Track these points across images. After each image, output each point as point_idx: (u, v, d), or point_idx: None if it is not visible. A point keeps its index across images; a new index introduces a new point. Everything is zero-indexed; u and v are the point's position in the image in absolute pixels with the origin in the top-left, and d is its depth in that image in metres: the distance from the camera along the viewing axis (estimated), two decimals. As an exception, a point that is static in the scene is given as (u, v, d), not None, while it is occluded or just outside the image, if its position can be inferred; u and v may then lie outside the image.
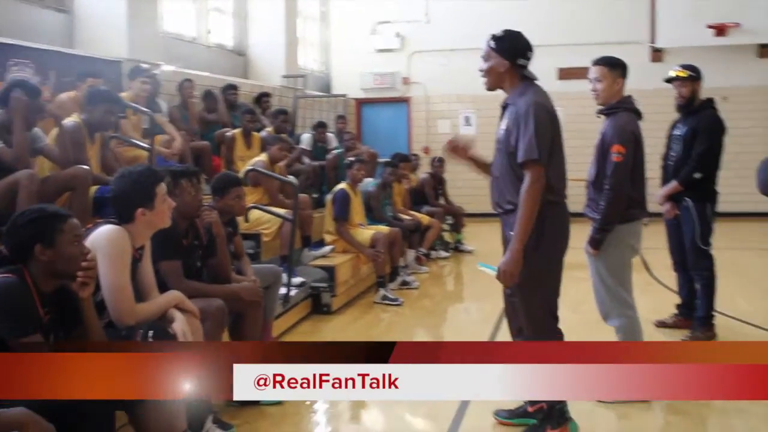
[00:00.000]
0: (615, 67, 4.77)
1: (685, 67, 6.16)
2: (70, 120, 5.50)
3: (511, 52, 3.89)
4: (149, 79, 7.18)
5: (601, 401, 4.69)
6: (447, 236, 10.93)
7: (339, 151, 9.99)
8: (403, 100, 15.54)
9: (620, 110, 4.69)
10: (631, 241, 4.70)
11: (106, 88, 5.84)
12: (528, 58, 3.91)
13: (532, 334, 4.07)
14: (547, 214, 3.87)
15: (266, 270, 5.51)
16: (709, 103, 6.14)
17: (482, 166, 4.31)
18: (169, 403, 3.44)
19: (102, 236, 3.53)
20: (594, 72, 4.77)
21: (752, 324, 6.47)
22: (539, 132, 3.77)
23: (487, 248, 11.32)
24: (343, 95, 13.86)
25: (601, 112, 4.78)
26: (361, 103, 15.56)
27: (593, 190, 4.78)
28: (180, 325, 3.63)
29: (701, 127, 6.01)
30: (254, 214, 6.93)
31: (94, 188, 5.38)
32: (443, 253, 10.50)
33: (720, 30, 13.61)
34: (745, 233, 10.72)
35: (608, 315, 4.79)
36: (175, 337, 3.55)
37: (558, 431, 4.07)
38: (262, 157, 7.53)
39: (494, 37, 3.94)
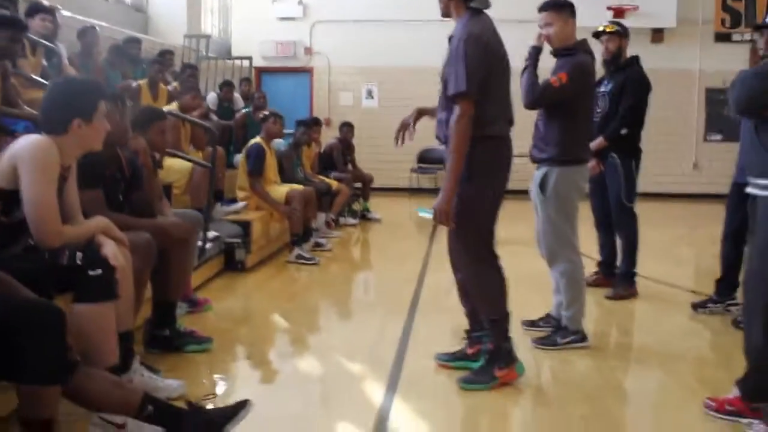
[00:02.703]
0: (562, 8, 4.70)
1: (613, 22, 6.21)
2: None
3: None
4: (48, 16, 6.59)
5: (538, 347, 4.63)
6: (355, 204, 10.71)
7: (247, 110, 9.59)
8: (305, 70, 15.17)
9: (578, 52, 4.62)
10: (580, 182, 4.66)
11: (10, 13, 5.28)
12: None
13: (465, 266, 3.99)
14: (481, 148, 3.76)
15: (186, 214, 5.13)
16: (635, 60, 6.18)
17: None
18: (101, 334, 3.14)
19: (27, 145, 3.11)
20: (542, 18, 4.70)
21: (668, 283, 6.58)
22: (469, 65, 3.67)
23: (394, 219, 11.24)
24: (248, 57, 13.34)
25: (557, 52, 4.69)
26: (261, 71, 15.07)
27: (543, 130, 4.67)
28: (111, 248, 3.25)
29: (628, 83, 6.04)
30: (164, 163, 6.49)
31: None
32: (351, 220, 10.27)
33: (618, 12, 13.91)
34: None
35: (554, 260, 4.71)
36: (106, 260, 3.18)
37: (506, 371, 3.96)
38: (173, 106, 7.09)
39: None
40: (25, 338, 2.55)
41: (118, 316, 3.36)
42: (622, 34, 6.09)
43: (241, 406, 3.09)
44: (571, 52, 4.64)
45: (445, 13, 3.94)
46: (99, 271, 3.12)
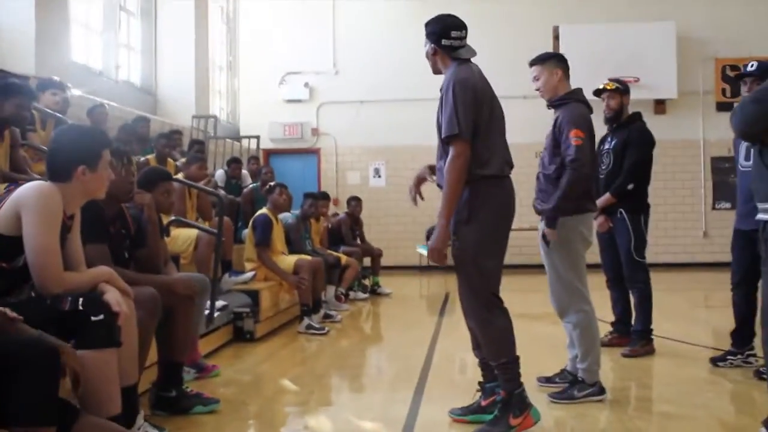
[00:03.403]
0: (547, 60, 4.76)
1: (613, 80, 6.26)
2: (-26, 114, 4.99)
3: (433, 35, 3.94)
4: (59, 92, 6.71)
5: (555, 401, 4.50)
6: (365, 279, 10.64)
7: (255, 185, 9.63)
8: (313, 151, 15.35)
9: (571, 101, 4.63)
10: (584, 231, 4.57)
11: (17, 81, 5.36)
12: (453, 38, 3.89)
13: (473, 311, 3.91)
14: (480, 189, 3.80)
15: (193, 277, 5.09)
16: (637, 116, 6.23)
17: None
18: (103, 382, 3.06)
19: (30, 191, 3.10)
20: (531, 73, 4.77)
21: (686, 341, 6.43)
22: (459, 107, 3.74)
23: (404, 294, 11.15)
24: (257, 136, 13.48)
25: (551, 103, 4.70)
26: (270, 153, 15.26)
27: (544, 182, 4.65)
28: (114, 295, 3.20)
29: (632, 139, 6.05)
30: (172, 233, 6.47)
31: (2, 186, 4.88)
32: (361, 295, 10.18)
33: (619, 85, 14.05)
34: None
35: (565, 312, 4.61)
36: (108, 307, 3.12)
37: (521, 418, 3.83)
38: (179, 176, 7.12)
39: (425, 24, 3.98)
40: (17, 375, 2.48)
41: (121, 369, 3.29)
42: (622, 91, 6.16)
43: None
44: (565, 101, 4.65)
45: (435, 70, 4.04)
46: (101, 317, 3.06)
